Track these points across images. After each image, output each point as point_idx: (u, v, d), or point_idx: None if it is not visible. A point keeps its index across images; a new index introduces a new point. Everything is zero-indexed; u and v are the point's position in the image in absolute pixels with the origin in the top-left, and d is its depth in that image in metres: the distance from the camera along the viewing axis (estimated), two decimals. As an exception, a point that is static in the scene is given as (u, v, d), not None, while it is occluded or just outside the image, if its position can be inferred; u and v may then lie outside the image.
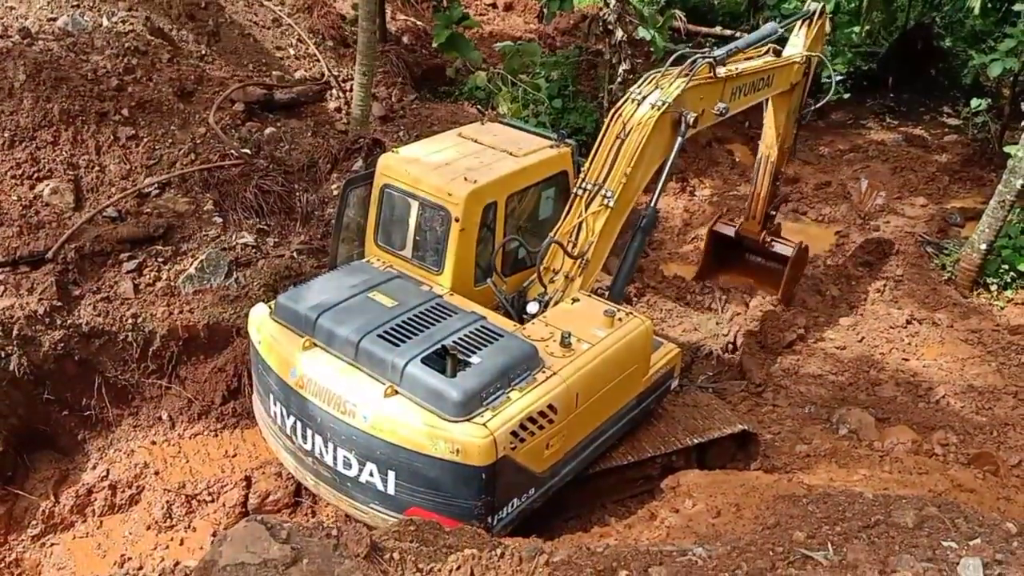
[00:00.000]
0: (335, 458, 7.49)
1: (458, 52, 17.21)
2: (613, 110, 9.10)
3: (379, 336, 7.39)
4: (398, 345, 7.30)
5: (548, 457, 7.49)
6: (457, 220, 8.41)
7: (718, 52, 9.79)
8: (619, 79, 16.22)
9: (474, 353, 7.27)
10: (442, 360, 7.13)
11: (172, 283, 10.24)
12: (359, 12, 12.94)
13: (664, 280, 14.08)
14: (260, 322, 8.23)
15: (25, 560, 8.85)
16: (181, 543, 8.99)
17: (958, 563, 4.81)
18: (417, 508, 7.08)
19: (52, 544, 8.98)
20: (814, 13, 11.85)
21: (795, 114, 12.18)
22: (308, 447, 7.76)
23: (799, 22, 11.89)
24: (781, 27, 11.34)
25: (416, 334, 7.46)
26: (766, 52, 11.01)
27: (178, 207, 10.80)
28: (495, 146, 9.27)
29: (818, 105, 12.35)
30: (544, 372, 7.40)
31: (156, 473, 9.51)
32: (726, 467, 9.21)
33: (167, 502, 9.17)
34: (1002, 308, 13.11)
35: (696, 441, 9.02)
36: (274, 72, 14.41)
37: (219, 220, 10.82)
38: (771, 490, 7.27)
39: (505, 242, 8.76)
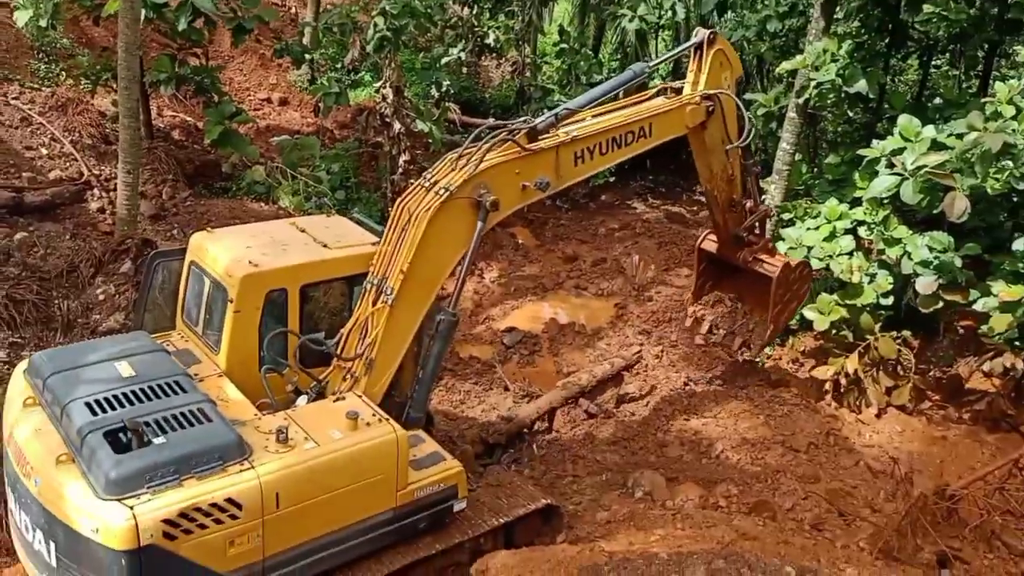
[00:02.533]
0: (20, 519, 7.27)
1: (233, 147, 16.82)
2: (400, 198, 8.51)
3: (85, 403, 7.10)
4: (96, 414, 7.00)
5: (236, 556, 6.98)
6: (231, 301, 8.17)
7: (541, 119, 8.84)
8: (400, 170, 16.55)
9: (164, 433, 6.93)
10: (129, 436, 6.83)
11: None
12: (120, 109, 12.36)
13: (461, 361, 14.23)
14: (13, 379, 7.99)
15: None
16: None
17: (748, 610, 5.07)
18: None
19: None
20: (702, 41, 10.37)
21: (724, 146, 10.74)
22: (12, 509, 7.49)
23: (691, 52, 10.50)
24: (649, 68, 10.30)
25: (126, 406, 7.15)
26: (654, 94, 10.17)
27: (-91, 326, 9.56)
28: (315, 236, 9.04)
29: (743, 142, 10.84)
30: (241, 465, 7.01)
31: None
32: (533, 543, 9.25)
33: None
34: (763, 364, 14.38)
35: (502, 521, 9.00)
36: (24, 174, 13.31)
37: (-39, 337, 9.68)
38: (575, 562, 7.39)
39: (273, 334, 8.34)
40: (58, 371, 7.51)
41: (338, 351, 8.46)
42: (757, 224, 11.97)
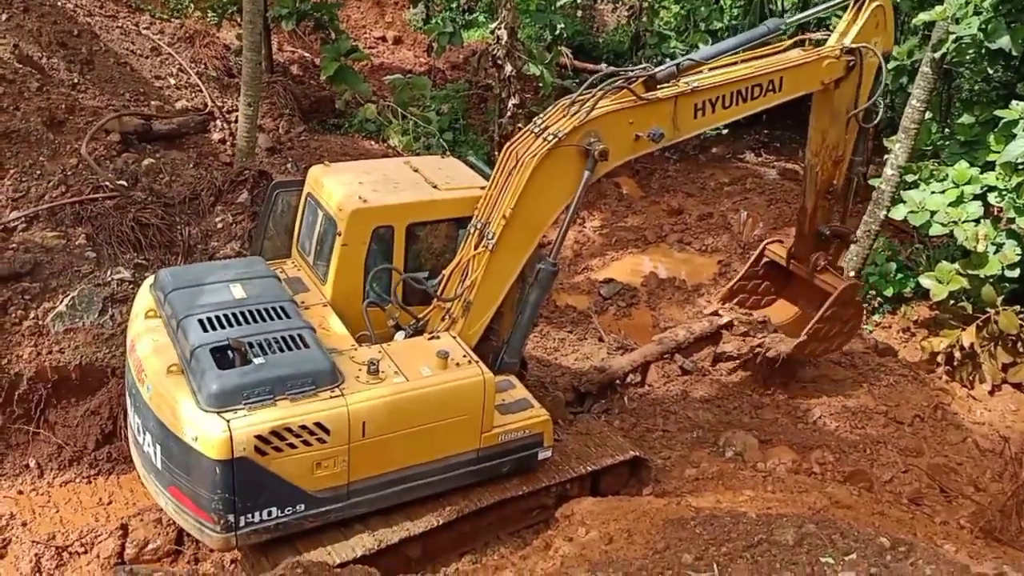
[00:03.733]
0: (134, 422, 7.86)
1: (347, 84, 17.13)
2: (509, 142, 8.46)
3: (199, 320, 7.52)
4: (207, 331, 7.40)
5: (322, 479, 7.29)
6: (339, 234, 8.43)
7: (662, 68, 8.57)
8: (508, 113, 16.51)
9: (264, 354, 7.24)
10: (234, 354, 7.21)
11: (40, 322, 9.65)
12: (244, 42, 12.73)
13: (557, 310, 14.29)
14: (140, 294, 8.62)
15: None
16: (50, 600, 8.41)
17: (835, 578, 5.00)
18: (175, 488, 7.28)
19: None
20: None
21: (846, 116, 10.21)
22: (131, 415, 8.01)
23: (850, 8, 9.97)
24: (786, 24, 9.81)
25: (234, 326, 7.52)
26: (790, 45, 9.66)
27: (47, 242, 10.21)
28: (427, 177, 9.19)
29: (871, 102, 10.19)
30: (332, 392, 7.27)
31: (23, 524, 8.90)
32: (619, 493, 9.33)
33: (36, 555, 8.57)
34: (871, 332, 13.87)
35: (589, 469, 9.11)
36: (153, 102, 13.91)
37: (92, 255, 10.29)
38: (661, 514, 7.41)
39: (378, 269, 8.58)
40: (179, 287, 7.98)
41: (439, 291, 8.62)
42: (834, 248, 11.36)
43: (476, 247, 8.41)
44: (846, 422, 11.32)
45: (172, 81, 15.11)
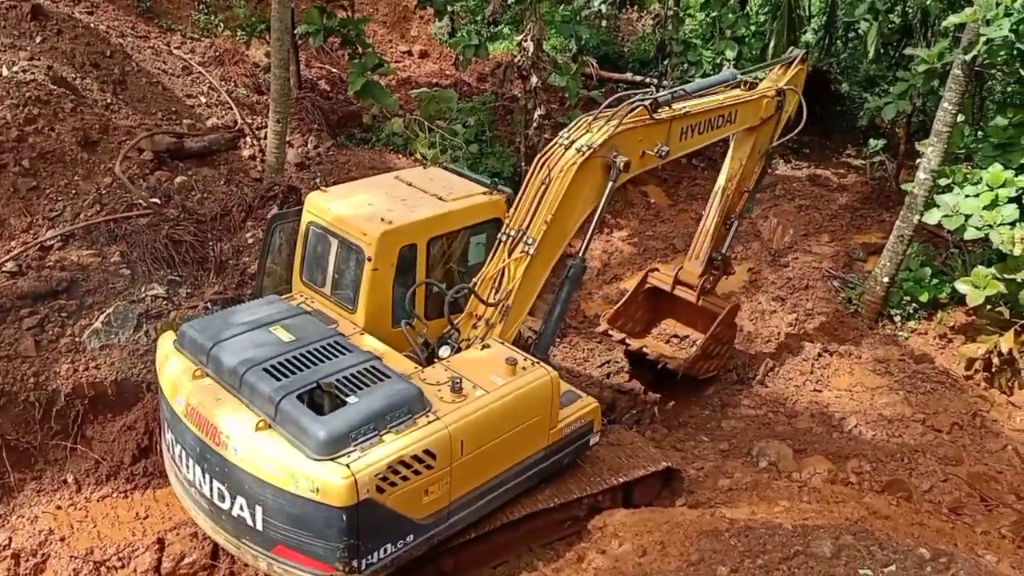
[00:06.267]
0: (211, 490, 7.41)
1: (374, 99, 17.25)
2: (539, 154, 8.97)
3: (264, 369, 7.33)
4: (280, 380, 7.23)
5: (429, 504, 7.32)
6: (370, 259, 8.43)
7: (661, 94, 9.62)
8: (535, 124, 16.51)
9: (353, 393, 7.18)
10: (320, 397, 7.10)
11: (77, 339, 9.83)
12: (272, 59, 12.89)
13: (586, 320, 14.24)
14: (164, 350, 8.17)
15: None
16: (89, 613, 8.51)
17: (874, 590, 4.89)
18: (283, 547, 7.04)
19: (-52, 622, 8.38)
20: (795, 58, 11.88)
21: (762, 152, 11.87)
22: (191, 478, 7.65)
23: (778, 66, 11.96)
24: (741, 74, 11.32)
25: (303, 370, 7.38)
26: (732, 88, 10.94)
27: (82, 260, 10.41)
28: (426, 190, 9.28)
29: (785, 139, 12.13)
30: (427, 416, 7.29)
31: (62, 539, 9.01)
32: (652, 504, 9.25)
33: (74, 570, 8.69)
34: (906, 338, 13.65)
35: (622, 480, 9.05)
36: (185, 120, 14.15)
37: (127, 272, 10.46)
38: (695, 526, 7.33)
39: (417, 285, 8.69)
40: (219, 342, 7.70)
41: (484, 298, 8.72)
42: (713, 276, 12.38)
43: (510, 254, 8.66)
44: (883, 430, 11.15)
45: (203, 99, 15.35)
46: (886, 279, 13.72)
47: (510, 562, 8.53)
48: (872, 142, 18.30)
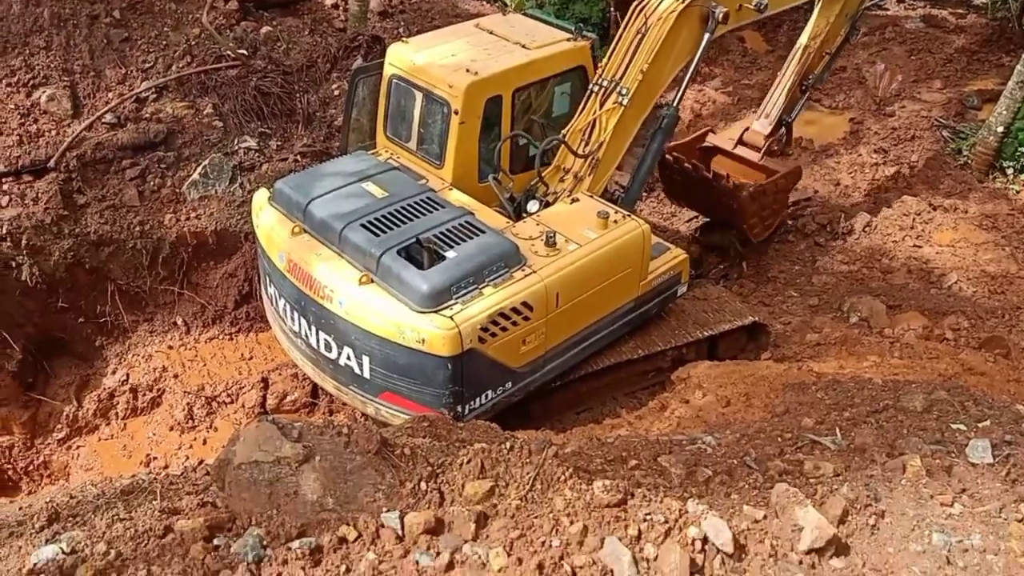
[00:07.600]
0: (318, 341, 7.71)
1: (458, -60, 16.51)
2: (636, 1, 8.65)
3: (362, 225, 7.45)
4: (378, 235, 7.36)
5: (526, 353, 7.53)
6: (456, 112, 8.31)
7: None
8: (626, -35, 15.58)
9: (452, 247, 7.28)
10: (418, 252, 7.21)
11: (177, 189, 10.17)
12: (352, -100, 12.38)
13: (674, 173, 13.87)
14: (259, 207, 8.34)
15: (53, 462, 9.14)
16: (204, 443, 9.25)
17: (967, 445, 4.83)
18: (390, 393, 7.36)
19: (78, 447, 9.25)
20: None
21: (849, 14, 11.06)
22: (296, 329, 7.96)
23: None
24: None
25: (399, 225, 7.48)
26: None
27: (177, 112, 10.60)
28: (508, 38, 9.01)
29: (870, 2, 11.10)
30: (523, 270, 7.38)
31: (175, 376, 9.70)
32: (737, 358, 9.26)
33: (188, 404, 9.38)
34: (1018, 192, 12.87)
35: (707, 334, 9.06)
36: (268, -33, 13.85)
37: (219, 124, 10.64)
38: (781, 379, 7.31)
39: (507, 137, 8.58)
40: (314, 197, 7.79)
41: (575, 150, 8.57)
42: (781, 140, 11.72)
43: (602, 105, 8.43)
44: (984, 287, 10.72)
45: (284, -55, 14.95)
46: (1001, 128, 12.82)
47: (594, 409, 8.77)
48: (997, -23, 16.70)
